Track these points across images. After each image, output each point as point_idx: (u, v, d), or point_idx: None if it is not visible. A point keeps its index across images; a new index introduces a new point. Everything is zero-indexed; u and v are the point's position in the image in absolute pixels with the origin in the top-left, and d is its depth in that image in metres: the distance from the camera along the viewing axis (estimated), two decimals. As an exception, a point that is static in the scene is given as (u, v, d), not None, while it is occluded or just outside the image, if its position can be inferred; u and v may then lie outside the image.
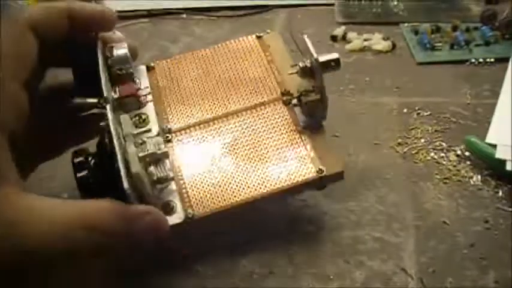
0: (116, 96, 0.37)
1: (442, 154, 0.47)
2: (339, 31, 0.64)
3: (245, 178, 0.37)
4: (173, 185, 0.37)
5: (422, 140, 0.48)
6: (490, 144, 0.46)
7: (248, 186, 0.37)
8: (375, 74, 0.57)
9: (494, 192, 0.43)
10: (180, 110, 0.41)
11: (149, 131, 0.38)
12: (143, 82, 0.41)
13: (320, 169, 0.37)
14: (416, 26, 0.64)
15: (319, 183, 0.38)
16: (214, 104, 0.41)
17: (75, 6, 0.37)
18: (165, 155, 0.36)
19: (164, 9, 0.70)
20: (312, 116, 0.40)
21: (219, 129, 0.40)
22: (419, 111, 0.51)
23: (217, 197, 0.37)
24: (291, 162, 0.37)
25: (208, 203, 0.36)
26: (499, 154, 0.44)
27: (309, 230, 0.41)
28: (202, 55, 0.44)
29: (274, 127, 0.39)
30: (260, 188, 0.36)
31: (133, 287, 0.38)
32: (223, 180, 0.37)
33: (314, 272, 0.38)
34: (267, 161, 0.38)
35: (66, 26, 0.36)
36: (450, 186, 0.44)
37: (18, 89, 0.34)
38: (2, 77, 0.33)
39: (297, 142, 0.38)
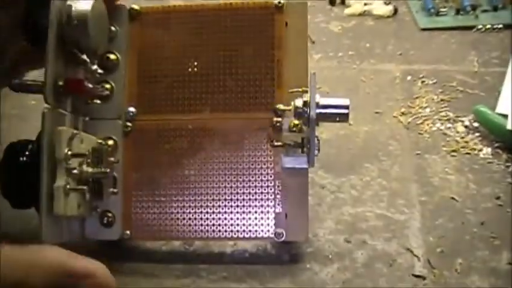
0: (60, 83, 0.29)
1: (449, 125, 0.43)
2: (337, -6, 0.59)
3: (198, 219, 0.33)
4: (118, 198, 0.33)
5: (428, 110, 0.44)
6: (500, 115, 0.42)
7: (198, 228, 0.33)
8: (375, 40, 0.53)
9: (505, 166, 0.39)
10: (154, 91, 0.34)
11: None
12: (120, 37, 0.34)
13: (279, 233, 0.32)
14: (419, -10, 0.59)
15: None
16: (196, 96, 0.34)
17: None
18: (103, 173, 0.31)
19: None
20: (295, 158, 0.33)
21: (192, 139, 0.33)
22: (423, 80, 0.47)
23: (161, 229, 0.33)
24: (253, 215, 0.33)
25: (150, 232, 0.33)
26: (510, 125, 0.40)
27: (306, 205, 0.37)
28: (201, 11, 0.34)
29: (253, 163, 0.33)
30: (210, 233, 0.33)
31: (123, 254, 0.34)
32: (173, 213, 0.33)
33: (312, 251, 0.34)
34: (229, 204, 0.33)
35: None
36: (458, 160, 0.40)
37: None
38: None
39: (268, 188, 0.33)
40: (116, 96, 0.34)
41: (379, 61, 0.50)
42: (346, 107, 0.31)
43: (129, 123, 0.34)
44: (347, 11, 0.57)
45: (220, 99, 0.34)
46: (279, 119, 0.33)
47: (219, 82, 0.34)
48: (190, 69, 0.34)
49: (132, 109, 0.34)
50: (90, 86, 0.31)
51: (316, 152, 0.30)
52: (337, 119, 0.31)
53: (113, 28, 0.34)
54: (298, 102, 0.31)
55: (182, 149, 0.33)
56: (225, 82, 0.34)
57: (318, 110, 0.30)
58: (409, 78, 0.47)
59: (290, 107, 0.32)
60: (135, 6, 0.35)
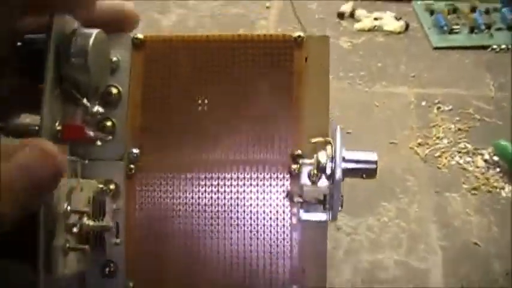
0: (58, 127, 0.26)
1: (468, 158, 0.40)
2: (346, 7, 0.55)
3: (207, 274, 0.29)
4: (121, 246, 0.29)
5: (445, 141, 0.41)
6: (522, 149, 0.39)
7: (206, 284, 0.29)
8: (387, 59, 0.49)
9: (529, 207, 0.37)
10: (160, 129, 0.31)
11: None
12: (123, 69, 0.31)
13: None
14: (431, 4, 0.56)
15: None
16: (205, 138, 0.30)
17: None
18: (105, 228, 0.27)
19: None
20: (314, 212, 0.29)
21: (202, 188, 0.30)
22: (439, 106, 0.44)
23: (166, 280, 0.29)
24: (267, 270, 0.29)
25: (154, 283, 0.29)
26: (533, 162, 0.38)
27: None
28: (213, 43, 0.30)
29: (268, 213, 0.29)
30: None
31: None
32: (179, 265, 0.29)
33: (327, 302, 0.31)
34: (242, 257, 0.29)
35: None
36: (479, 198, 0.37)
37: None
38: None
39: (284, 241, 0.29)
40: (118, 135, 0.30)
41: (391, 83, 0.46)
42: (374, 163, 0.27)
43: (132, 166, 0.30)
44: (357, 26, 0.53)
45: (232, 141, 0.30)
46: (297, 166, 0.29)
47: (231, 122, 0.30)
48: (200, 107, 0.30)
49: (135, 150, 0.30)
50: (92, 133, 0.27)
51: (339, 208, 0.27)
52: (364, 175, 0.27)
53: (114, 58, 0.30)
54: (322, 157, 0.27)
55: (189, 195, 0.30)
56: (237, 122, 0.30)
57: (344, 165, 0.27)
58: (423, 103, 0.44)
59: (312, 160, 0.28)
60: (139, 35, 0.30)
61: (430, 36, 0.52)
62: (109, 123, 0.30)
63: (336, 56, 0.49)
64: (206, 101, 0.30)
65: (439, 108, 0.44)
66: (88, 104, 0.27)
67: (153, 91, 0.31)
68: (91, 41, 0.26)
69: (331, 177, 0.27)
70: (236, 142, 0.30)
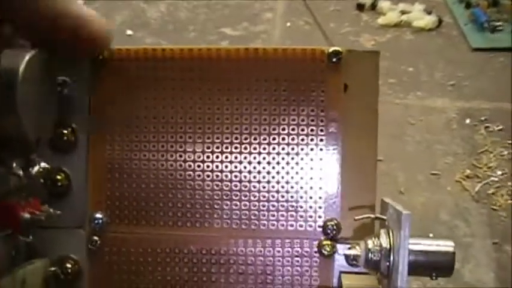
0: None
1: (530, 196, 0.31)
2: (366, -3, 0.46)
3: None
4: None
5: (499, 172, 0.32)
6: None
7: None
8: (419, 62, 0.40)
9: None
10: (133, 187, 0.21)
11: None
12: (78, 95, 0.21)
13: None
14: (464, -6, 0.47)
15: None
16: (198, 200, 0.20)
17: None
18: None
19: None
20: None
21: (193, 266, 0.20)
22: (487, 124, 0.35)
23: None
24: None
25: None
26: None
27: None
28: (213, 61, 0.20)
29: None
30: None
31: None
32: None
33: None
34: None
35: None
36: (549, 252, 0.29)
37: None
38: None
39: None
40: (75, 193, 0.20)
41: (427, 93, 0.37)
42: (450, 255, 0.18)
43: (95, 237, 0.20)
44: (381, 21, 0.44)
45: (237, 206, 0.20)
46: (330, 243, 0.20)
47: (234, 179, 0.21)
48: (190, 155, 0.21)
49: (99, 215, 0.20)
50: (27, 215, 0.18)
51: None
52: (434, 274, 0.18)
53: (64, 79, 0.20)
54: (373, 245, 0.18)
55: (179, 279, 0.21)
56: (243, 179, 0.21)
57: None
58: (468, 121, 0.35)
59: (358, 251, 0.19)
60: (106, 53, 0.20)
61: (467, 35, 0.43)
62: (61, 177, 0.20)
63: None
64: (201, 146, 0.21)
65: (487, 127, 0.35)
66: (20, 173, 0.17)
67: (124, 132, 0.21)
68: (21, 69, 0.16)
69: (387, 277, 0.18)
70: (242, 206, 0.21)
